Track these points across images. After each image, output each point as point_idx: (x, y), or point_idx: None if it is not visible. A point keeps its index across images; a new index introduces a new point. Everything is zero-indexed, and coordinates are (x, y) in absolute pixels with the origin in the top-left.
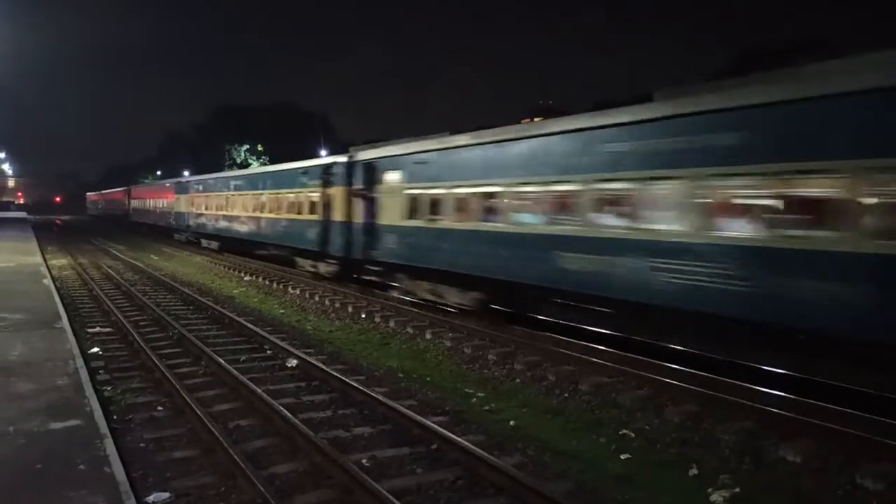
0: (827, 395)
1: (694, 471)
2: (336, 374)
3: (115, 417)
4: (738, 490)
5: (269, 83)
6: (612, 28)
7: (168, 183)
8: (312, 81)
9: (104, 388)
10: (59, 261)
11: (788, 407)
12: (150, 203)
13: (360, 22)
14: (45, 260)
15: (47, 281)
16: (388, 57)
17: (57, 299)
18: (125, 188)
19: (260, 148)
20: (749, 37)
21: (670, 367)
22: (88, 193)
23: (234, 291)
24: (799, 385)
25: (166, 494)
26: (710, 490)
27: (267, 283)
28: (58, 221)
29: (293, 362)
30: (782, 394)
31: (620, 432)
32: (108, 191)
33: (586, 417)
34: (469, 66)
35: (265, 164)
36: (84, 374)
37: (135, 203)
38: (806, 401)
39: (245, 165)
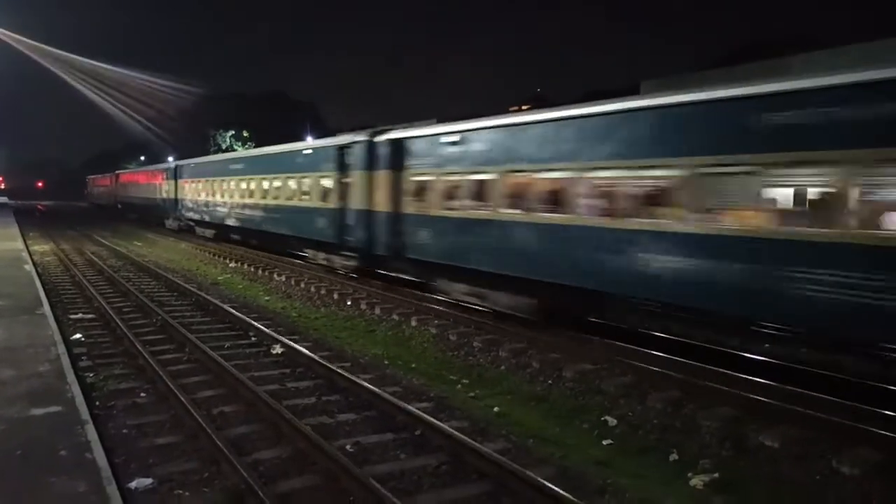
0: (807, 382)
1: (674, 456)
2: (321, 360)
3: (97, 404)
4: (717, 475)
5: (261, 73)
6: (611, 20)
7: (308, 147)
8: (305, 71)
9: (86, 374)
10: (42, 247)
11: (769, 393)
12: (243, 191)
13: (356, 10)
14: (26, 246)
15: (29, 267)
16: (383, 46)
17: (39, 285)
18: (169, 166)
19: (245, 134)
20: (753, 30)
21: (653, 355)
22: (91, 177)
23: (220, 278)
24: (780, 372)
25: (149, 480)
26: (690, 475)
27: (252, 269)
28: (40, 207)
29: (278, 349)
30: (763, 381)
31: (603, 418)
32: (129, 171)
33: (570, 404)
34: (465, 56)
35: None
36: (66, 361)
37: (189, 189)
38: (786, 387)
39: (231, 151)
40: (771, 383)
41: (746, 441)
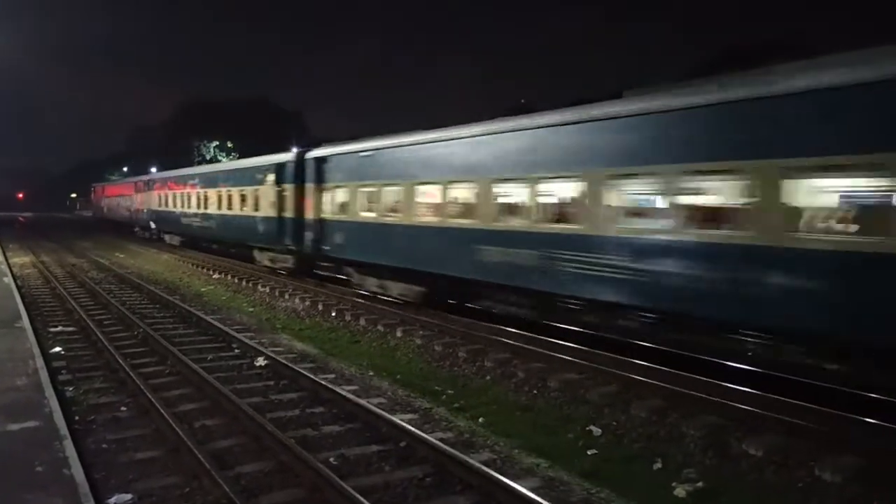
0: (790, 391)
1: (659, 465)
2: (305, 372)
3: (76, 418)
4: (701, 484)
5: (249, 79)
6: (603, 26)
7: None
8: (293, 78)
9: (66, 388)
10: (21, 259)
11: (752, 402)
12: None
13: (348, 16)
14: (5, 258)
15: (7, 279)
16: (376, 53)
17: (18, 298)
18: (283, 159)
19: (230, 144)
20: (742, 33)
21: (638, 364)
22: (99, 185)
23: (203, 289)
24: (763, 381)
25: (128, 496)
26: (674, 484)
27: (236, 281)
28: (21, 219)
29: (261, 361)
30: (746, 389)
31: (588, 428)
32: (176, 175)
33: (555, 414)
34: (457, 64)
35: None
36: (44, 375)
37: (344, 200)
38: (770, 396)
39: (214, 163)
40: (754, 391)
41: (730, 449)
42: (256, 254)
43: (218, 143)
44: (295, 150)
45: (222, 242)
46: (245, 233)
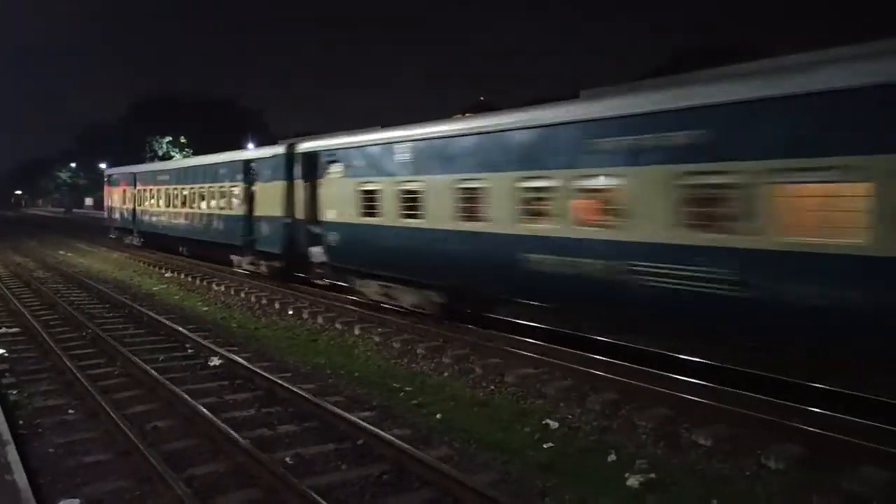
0: (739, 382)
1: (613, 457)
2: (261, 371)
3: (20, 423)
4: (653, 475)
5: (207, 78)
6: (559, 25)
7: None
8: (253, 77)
9: (9, 391)
10: None
11: (701, 393)
12: None
13: (309, 17)
14: None
15: None
16: (339, 52)
17: None
18: None
19: (183, 140)
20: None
21: (592, 358)
22: (118, 173)
23: (155, 289)
24: (713, 372)
25: (76, 501)
26: (627, 475)
27: (189, 279)
28: None
29: (216, 361)
30: (697, 381)
31: (544, 422)
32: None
33: (512, 408)
34: (419, 64)
35: (188, 157)
36: None
37: None
38: (719, 387)
39: (167, 159)
40: (703, 383)
41: (680, 440)
42: None
43: (171, 138)
44: None
45: None
46: None
